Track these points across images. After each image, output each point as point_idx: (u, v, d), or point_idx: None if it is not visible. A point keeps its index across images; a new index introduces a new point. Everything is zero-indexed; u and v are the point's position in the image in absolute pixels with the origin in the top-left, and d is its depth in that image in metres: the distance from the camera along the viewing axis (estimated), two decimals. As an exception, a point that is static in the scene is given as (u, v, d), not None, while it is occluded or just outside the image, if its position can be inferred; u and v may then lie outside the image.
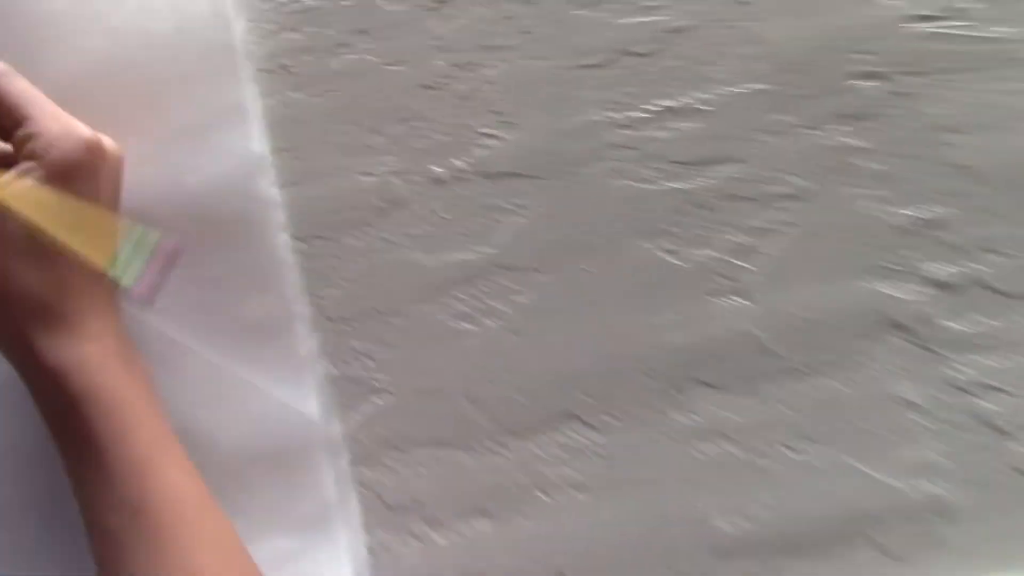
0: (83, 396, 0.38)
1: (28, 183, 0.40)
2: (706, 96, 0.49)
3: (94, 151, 0.41)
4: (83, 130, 0.41)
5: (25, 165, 0.40)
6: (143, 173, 0.47)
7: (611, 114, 0.49)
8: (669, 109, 0.49)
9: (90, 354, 0.39)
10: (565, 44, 0.49)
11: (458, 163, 0.49)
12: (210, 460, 0.45)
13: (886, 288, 0.46)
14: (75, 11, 0.47)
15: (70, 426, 0.39)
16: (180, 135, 0.47)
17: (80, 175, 0.40)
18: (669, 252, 0.48)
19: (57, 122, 0.41)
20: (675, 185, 0.48)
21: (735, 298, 0.47)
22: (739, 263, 0.47)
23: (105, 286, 0.42)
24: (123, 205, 0.46)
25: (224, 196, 0.47)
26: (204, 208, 0.47)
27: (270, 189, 0.47)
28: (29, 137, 0.40)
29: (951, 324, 0.46)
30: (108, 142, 0.43)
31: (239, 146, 0.47)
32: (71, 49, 0.47)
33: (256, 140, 0.47)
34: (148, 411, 0.40)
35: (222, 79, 0.47)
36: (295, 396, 0.46)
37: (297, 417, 0.46)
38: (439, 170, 0.49)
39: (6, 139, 0.42)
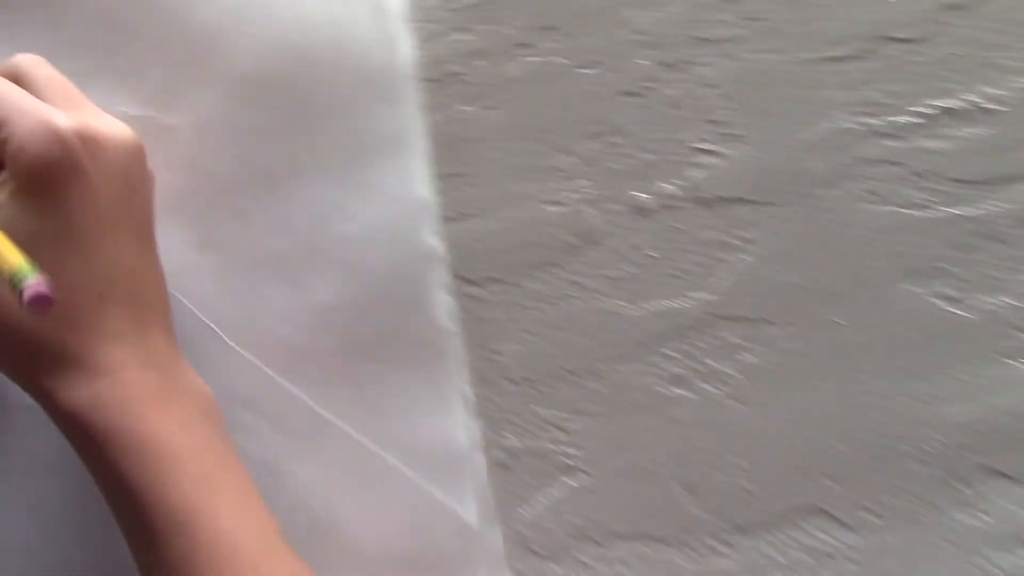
0: (106, 439, 0.33)
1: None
2: (998, 92, 0.37)
3: (69, 145, 0.33)
4: (58, 121, 0.33)
5: (2, 176, 0.33)
6: (286, 212, 0.40)
7: (867, 120, 0.38)
8: (947, 111, 0.38)
9: (105, 391, 0.33)
10: (805, 31, 0.39)
11: (668, 188, 0.39)
12: (349, 557, 0.37)
13: None
14: (223, 25, 0.40)
15: (100, 473, 0.33)
16: (330, 170, 0.40)
17: (57, 177, 0.33)
18: (948, 299, 0.37)
19: (31, 118, 0.33)
20: (956, 211, 0.37)
21: (1046, 365, 0.36)
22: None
23: (126, 307, 0.35)
24: (261, 248, 0.39)
25: (376, 246, 0.39)
26: (351, 259, 0.40)
27: (431, 239, 0.39)
28: (3, 141, 0.33)
29: None
30: (107, 129, 0.34)
31: (397, 187, 0.39)
32: (216, 69, 0.40)
33: (418, 181, 0.39)
34: (190, 452, 0.33)
35: (381, 105, 0.40)
36: (451, 492, 0.38)
37: (452, 520, 0.38)
38: (644, 197, 0.40)
39: None
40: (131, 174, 0.35)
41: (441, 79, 0.41)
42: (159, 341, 0.35)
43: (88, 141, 0.33)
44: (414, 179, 0.40)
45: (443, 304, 0.39)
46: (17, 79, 0.35)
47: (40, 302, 0.28)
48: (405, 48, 0.40)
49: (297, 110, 0.40)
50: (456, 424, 0.39)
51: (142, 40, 0.40)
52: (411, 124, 0.40)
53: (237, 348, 0.40)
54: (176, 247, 0.40)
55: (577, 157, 0.40)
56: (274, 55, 0.40)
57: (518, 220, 0.41)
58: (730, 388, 0.39)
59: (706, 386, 0.39)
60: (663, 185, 0.40)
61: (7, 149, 0.33)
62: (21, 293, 0.28)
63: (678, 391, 0.39)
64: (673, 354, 0.40)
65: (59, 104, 0.35)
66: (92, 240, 0.34)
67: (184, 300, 0.40)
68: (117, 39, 0.41)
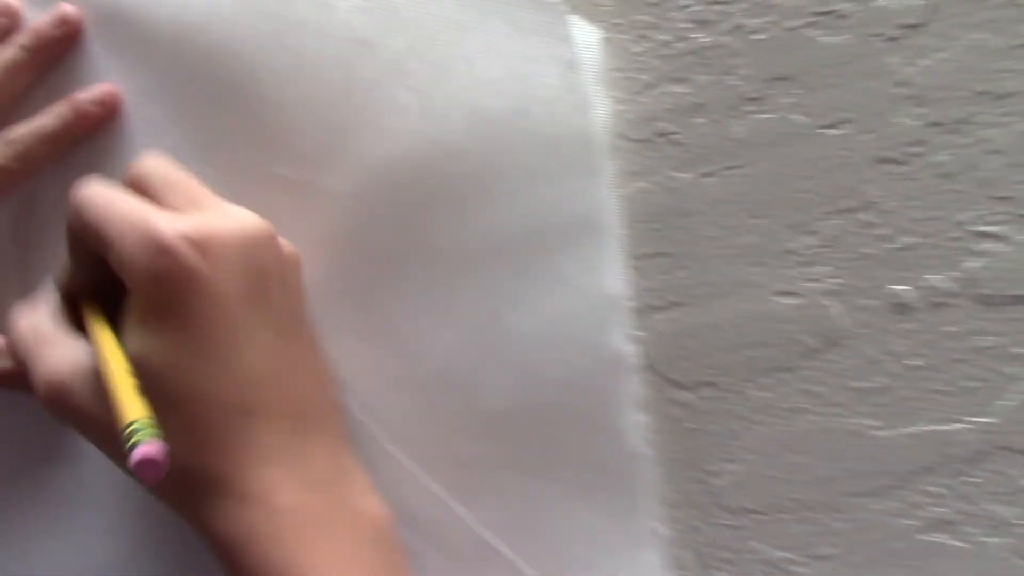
0: (260, 574, 0.30)
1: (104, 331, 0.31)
2: None
3: (177, 252, 0.29)
4: (162, 229, 0.30)
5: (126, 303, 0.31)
6: (452, 298, 0.34)
7: None
8: None
9: (258, 522, 0.30)
10: None
11: (937, 281, 0.32)
12: None
13: None
14: (389, 83, 0.34)
15: None
16: (505, 253, 0.34)
17: (173, 288, 0.29)
18: None
19: (135, 231, 0.30)
20: None
21: None
22: None
23: (277, 419, 0.31)
24: (425, 339, 0.33)
25: (555, 347, 0.33)
26: (525, 360, 0.34)
27: (622, 345, 0.32)
28: (117, 262, 0.30)
29: None
30: (223, 224, 0.31)
31: (584, 278, 0.33)
32: (380, 131, 0.35)
33: (610, 273, 0.33)
34: None
35: (570, 178, 0.33)
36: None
37: None
38: (905, 291, 0.32)
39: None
40: (259, 266, 0.31)
41: (649, 140, 0.34)
42: (321, 455, 0.31)
43: (200, 243, 0.30)
44: (605, 269, 0.33)
45: (634, 424, 0.33)
46: (139, 185, 0.33)
47: (147, 468, 0.25)
48: (602, 109, 0.34)
49: (470, 181, 0.34)
50: (644, 568, 0.32)
51: (301, 98, 0.35)
52: (604, 201, 0.33)
53: (396, 454, 0.34)
54: (329, 331, 0.35)
55: (819, 238, 0.33)
56: (447, 117, 0.34)
57: (741, 313, 0.33)
58: (1013, 539, 0.31)
59: (979, 534, 0.31)
60: (930, 277, 0.32)
61: (122, 270, 0.30)
62: (129, 451, 0.25)
63: (942, 538, 0.31)
64: (937, 491, 0.32)
65: (179, 205, 0.32)
66: (224, 348, 0.30)
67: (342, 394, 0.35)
68: (273, 95, 0.35)
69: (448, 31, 0.34)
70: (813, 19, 0.33)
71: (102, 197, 0.31)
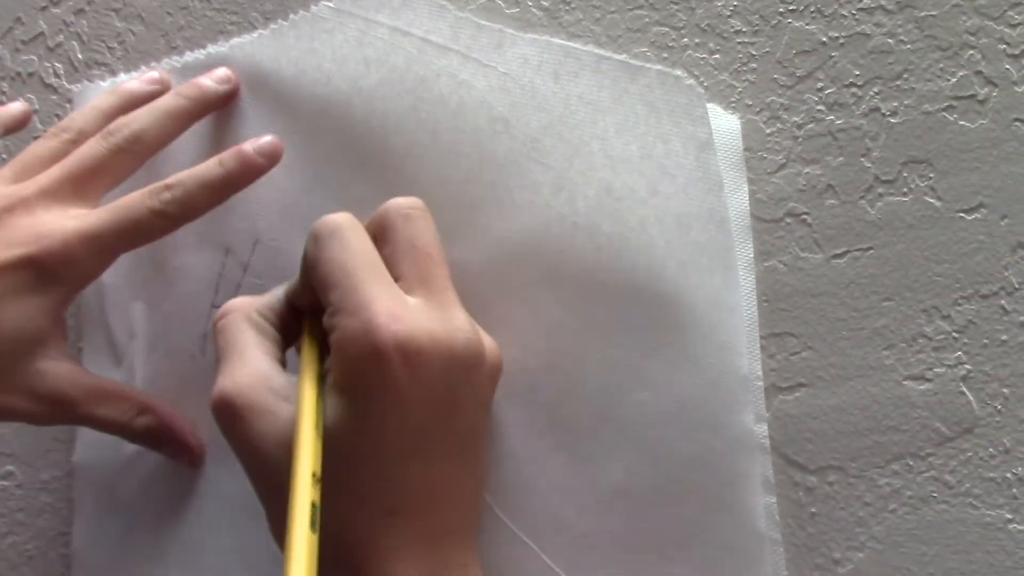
0: None
1: (311, 391, 0.32)
2: None
3: (386, 360, 0.30)
4: (381, 331, 0.30)
5: (329, 362, 0.32)
6: (576, 371, 0.36)
7: None
8: None
9: None
10: None
11: (1080, 372, 0.32)
12: None
13: None
14: (523, 159, 0.37)
15: None
16: (629, 327, 0.35)
17: (370, 389, 0.31)
18: None
19: (357, 317, 0.31)
20: None
21: None
22: None
23: (420, 521, 0.32)
24: (545, 411, 0.35)
25: (680, 424, 0.34)
26: (648, 436, 0.34)
27: (752, 424, 0.33)
28: (330, 328, 0.32)
29: None
30: (439, 339, 0.31)
31: (712, 356, 0.34)
32: (513, 205, 0.37)
33: (740, 352, 0.34)
34: None
35: (701, 259, 0.35)
36: None
37: None
38: (1045, 381, 0.32)
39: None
40: (457, 386, 0.32)
41: (779, 220, 0.36)
42: (453, 553, 0.32)
43: (411, 357, 0.31)
44: (735, 348, 0.34)
45: (762, 506, 0.33)
46: (383, 231, 0.34)
47: None
48: (739, 192, 0.35)
49: (600, 257, 0.35)
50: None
51: (435, 173, 0.38)
52: (737, 282, 0.34)
53: (511, 527, 0.36)
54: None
55: (953, 324, 0.33)
56: (579, 194, 0.36)
57: (870, 397, 0.34)
58: None
59: None
60: (1072, 367, 0.32)
61: (331, 336, 0.32)
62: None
63: (1085, 642, 0.31)
64: (1079, 591, 0.31)
65: (409, 278, 0.33)
66: (393, 457, 0.31)
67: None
68: (409, 168, 0.38)
69: (584, 110, 0.36)
70: (951, 103, 0.34)
71: (341, 244, 0.32)
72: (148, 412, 0.40)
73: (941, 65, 0.34)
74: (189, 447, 0.41)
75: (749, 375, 0.34)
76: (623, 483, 0.35)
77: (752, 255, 0.35)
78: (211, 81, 0.40)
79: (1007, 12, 0.34)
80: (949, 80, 0.34)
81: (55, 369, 0.38)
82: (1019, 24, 0.34)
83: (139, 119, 0.39)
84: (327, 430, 0.31)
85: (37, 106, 0.46)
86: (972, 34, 0.34)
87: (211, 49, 0.42)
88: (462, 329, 0.32)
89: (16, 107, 0.43)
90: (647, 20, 0.38)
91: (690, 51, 0.37)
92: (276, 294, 0.36)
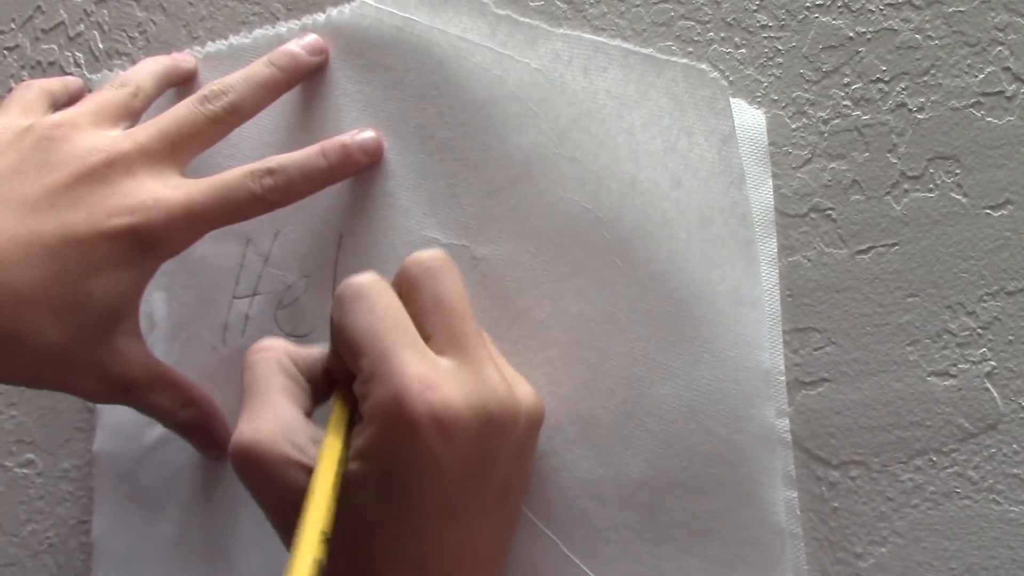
0: None
1: (334, 450, 0.31)
2: None
3: (420, 431, 0.30)
4: (414, 401, 0.30)
5: (359, 427, 0.32)
6: (598, 366, 0.36)
7: None
8: None
9: None
10: None
11: (1105, 369, 0.32)
12: None
13: None
14: (548, 153, 0.37)
15: None
16: (653, 322, 0.36)
17: (400, 458, 0.31)
18: None
19: (388, 386, 0.30)
20: None
21: None
22: None
23: (449, 570, 0.32)
24: (566, 405, 0.35)
25: (701, 418, 0.35)
26: (669, 430, 0.35)
27: (773, 419, 0.34)
28: (362, 396, 0.31)
29: None
30: (473, 403, 0.31)
31: (735, 350, 0.35)
32: (536, 199, 0.38)
33: (763, 347, 0.34)
34: None
35: (723, 253, 0.35)
36: None
37: None
38: (1069, 378, 0.33)
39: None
40: (493, 450, 0.32)
41: (804, 215, 0.36)
42: None
43: (447, 426, 0.30)
44: (758, 343, 0.34)
45: (783, 500, 0.34)
46: (409, 290, 0.33)
47: None
48: (763, 186, 0.36)
49: (621, 249, 0.36)
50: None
51: (462, 167, 0.38)
52: (760, 276, 0.35)
53: (531, 518, 0.36)
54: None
55: (977, 320, 0.34)
56: (604, 187, 0.36)
57: (893, 392, 0.35)
58: None
59: None
60: (1097, 365, 0.33)
61: (362, 403, 0.31)
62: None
63: (1107, 638, 0.31)
64: (1102, 588, 0.32)
65: (440, 338, 0.32)
66: (426, 520, 0.31)
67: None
68: (434, 164, 0.39)
69: (611, 104, 0.37)
70: (978, 99, 0.35)
71: (367, 307, 0.32)
72: (192, 405, 0.40)
73: (969, 61, 0.35)
74: (218, 444, 0.41)
75: (771, 370, 0.34)
76: (644, 476, 0.35)
77: (776, 250, 0.36)
78: (304, 51, 0.40)
79: (1035, 8, 0.34)
80: (977, 76, 0.35)
81: (129, 348, 0.37)
82: (1047, 20, 0.34)
83: (236, 88, 0.39)
84: (355, 493, 0.31)
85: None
86: (1000, 30, 0.34)
87: (233, 40, 0.42)
88: (496, 390, 0.32)
89: (72, 82, 0.42)
90: (672, 14, 0.38)
91: (716, 45, 0.37)
92: (313, 351, 0.35)
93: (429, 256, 0.34)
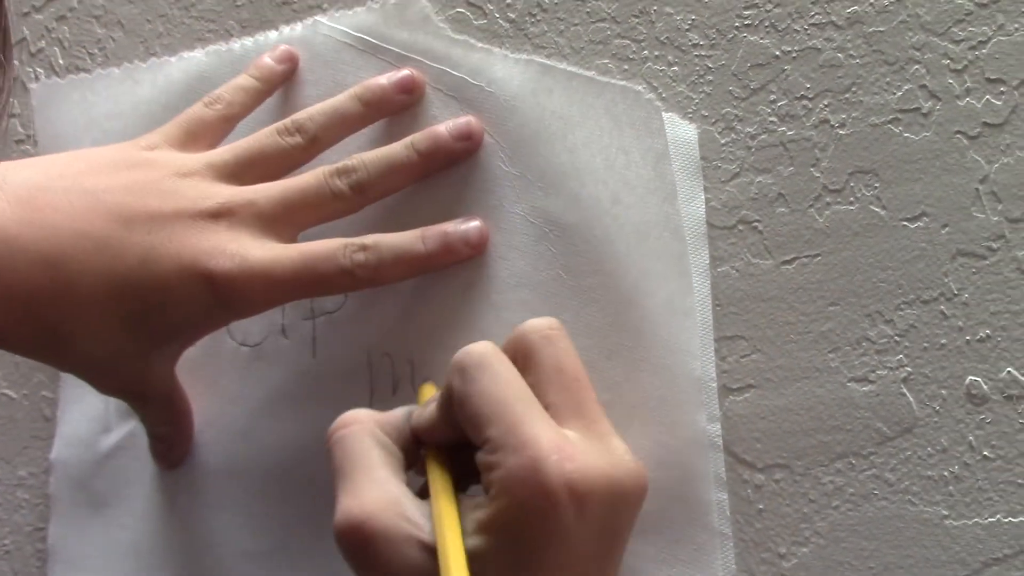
0: None
1: (453, 522, 0.32)
2: None
3: (556, 501, 0.31)
4: (550, 471, 0.31)
5: (479, 499, 0.33)
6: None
7: None
8: None
9: None
10: None
11: (1014, 373, 0.35)
12: None
13: None
14: (495, 163, 0.40)
15: None
16: (593, 332, 0.38)
17: (534, 527, 0.31)
18: None
19: (522, 455, 0.31)
20: None
21: None
22: None
23: None
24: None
25: (638, 424, 0.37)
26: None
27: (705, 424, 0.36)
28: (490, 466, 0.32)
29: None
30: (604, 474, 0.32)
31: (669, 359, 0.37)
32: (478, 204, 0.40)
33: (695, 355, 0.37)
34: None
35: (658, 266, 0.38)
36: None
37: None
38: (980, 382, 0.35)
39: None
40: (620, 524, 0.33)
41: (733, 227, 0.38)
42: None
43: (581, 497, 0.31)
44: (690, 351, 0.37)
45: (715, 502, 0.36)
46: (524, 355, 0.34)
47: None
48: (695, 201, 0.38)
49: (566, 263, 0.39)
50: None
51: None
52: (690, 286, 0.37)
53: None
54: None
55: (895, 328, 0.36)
56: (549, 203, 0.39)
57: (815, 398, 0.37)
58: (1089, 640, 0.33)
59: (1055, 632, 0.33)
60: (1006, 369, 0.35)
61: (493, 474, 0.32)
62: None
63: (1016, 634, 0.34)
64: (1011, 585, 0.34)
65: (562, 409, 0.33)
66: None
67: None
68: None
69: (556, 124, 0.39)
70: (896, 116, 0.37)
71: (492, 376, 0.32)
72: (172, 424, 0.42)
73: (888, 79, 0.37)
74: (173, 459, 0.43)
75: (703, 377, 0.37)
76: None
77: (707, 261, 0.38)
78: (449, 135, 0.40)
79: (951, 28, 0.37)
80: (895, 94, 0.37)
81: (161, 371, 0.39)
82: (962, 40, 0.37)
83: (368, 167, 0.39)
84: (479, 564, 0.31)
85: (18, 110, 0.49)
86: (917, 49, 0.37)
87: (185, 54, 0.45)
88: (626, 461, 0.33)
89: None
90: (609, 33, 0.41)
91: (650, 63, 0.40)
92: (398, 415, 0.36)
93: (546, 324, 0.35)
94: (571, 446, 0.32)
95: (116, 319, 0.36)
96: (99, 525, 0.46)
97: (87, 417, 0.45)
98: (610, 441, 0.33)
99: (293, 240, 0.39)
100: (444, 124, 0.40)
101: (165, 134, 0.40)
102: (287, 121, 0.40)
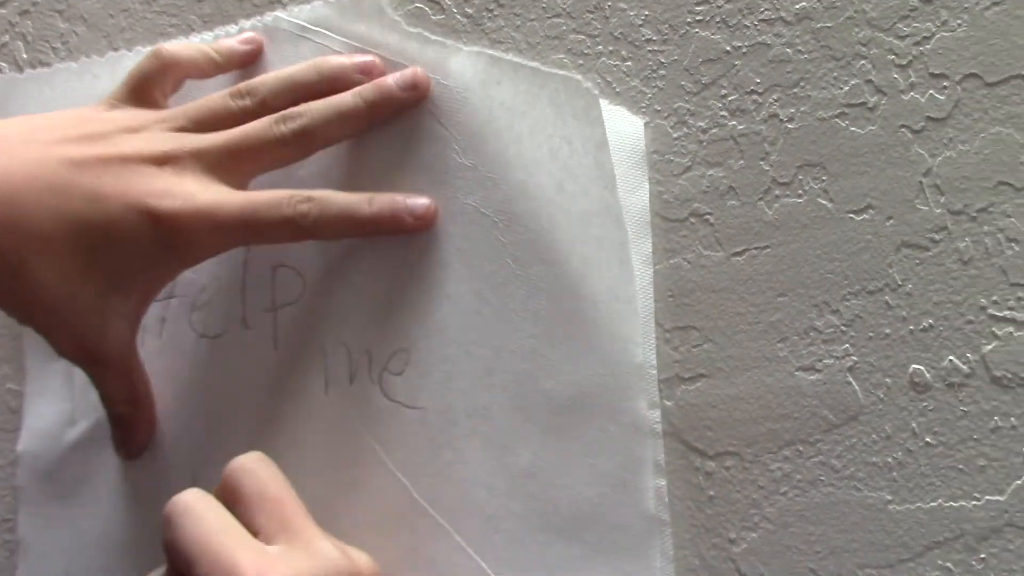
0: None
1: None
2: None
3: None
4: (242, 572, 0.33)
5: None
6: (492, 361, 0.40)
7: None
8: None
9: None
10: None
11: (955, 362, 0.36)
12: None
13: None
14: (449, 155, 0.41)
15: None
16: (541, 320, 0.39)
17: None
18: None
19: (216, 564, 0.33)
20: None
21: None
22: None
23: None
24: (462, 398, 0.39)
25: (582, 411, 0.38)
26: (554, 422, 0.39)
27: (646, 412, 0.38)
28: None
29: None
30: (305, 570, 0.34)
31: (611, 348, 0.38)
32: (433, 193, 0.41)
33: (638, 343, 0.38)
34: None
35: (601, 254, 0.39)
36: None
37: None
38: (923, 370, 0.36)
39: None
40: None
41: (684, 220, 0.40)
42: None
43: None
44: (631, 338, 0.38)
45: (652, 488, 0.37)
46: (231, 494, 0.36)
47: None
48: (639, 190, 0.39)
49: (512, 253, 0.40)
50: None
51: (368, 170, 0.42)
52: (633, 275, 0.38)
53: (430, 511, 0.40)
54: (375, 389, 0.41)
55: (841, 318, 0.38)
56: (498, 193, 0.40)
57: (764, 387, 0.38)
58: (1025, 620, 0.34)
59: (993, 613, 0.35)
60: (948, 358, 0.36)
61: None
62: None
63: (955, 615, 0.35)
64: (949, 566, 0.36)
65: (269, 527, 0.35)
66: None
67: (376, 447, 0.40)
68: (343, 167, 0.42)
69: (504, 115, 0.40)
70: (843, 110, 0.38)
71: (193, 519, 0.34)
72: (133, 405, 0.43)
73: (835, 74, 0.38)
74: (133, 447, 0.44)
75: (644, 364, 0.38)
76: (531, 467, 0.39)
77: (650, 250, 0.39)
78: (396, 85, 0.41)
79: (896, 24, 0.38)
80: (842, 88, 0.38)
81: (117, 328, 0.40)
82: (907, 36, 0.38)
83: (312, 113, 0.40)
84: None
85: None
86: (864, 45, 0.38)
87: (143, 49, 0.46)
88: (329, 557, 0.35)
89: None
90: (564, 28, 0.42)
91: (604, 58, 0.41)
92: None
93: (247, 458, 0.37)
94: (272, 560, 0.34)
95: (70, 257, 0.38)
96: (67, 516, 0.47)
97: (53, 409, 0.46)
98: (315, 545, 0.35)
99: (242, 189, 0.40)
100: (391, 75, 0.41)
101: (114, 95, 0.42)
102: (240, 85, 0.41)
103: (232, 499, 0.36)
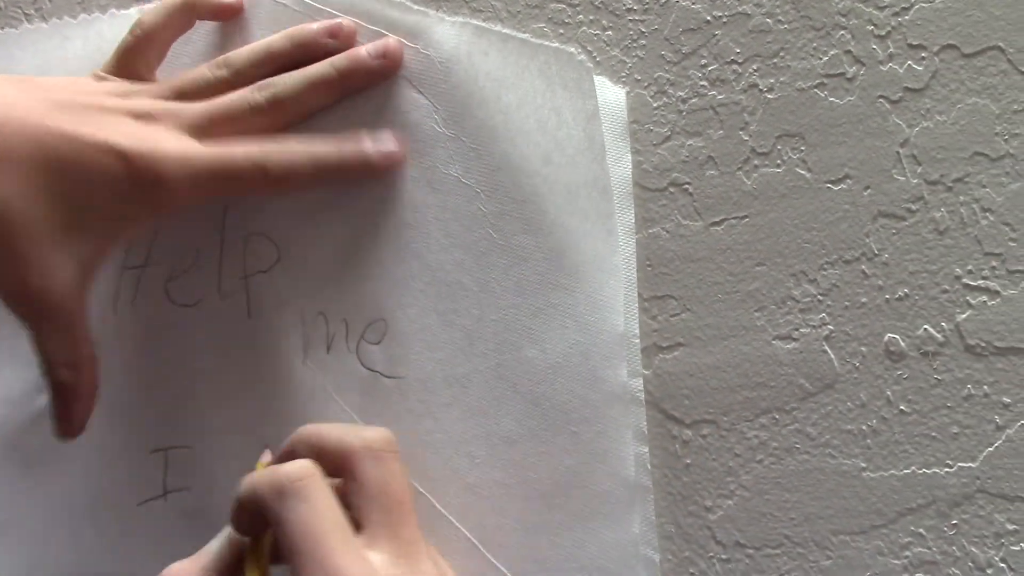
0: None
1: None
2: None
3: None
4: None
5: None
6: (474, 330, 0.40)
7: None
8: None
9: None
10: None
11: (930, 331, 0.37)
12: None
13: None
14: (435, 128, 0.41)
15: None
16: (523, 290, 0.40)
17: None
18: None
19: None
20: None
21: None
22: None
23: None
24: (442, 366, 0.39)
25: (562, 378, 0.39)
26: (535, 390, 0.39)
27: (626, 379, 0.38)
28: None
29: None
30: None
31: (592, 315, 0.39)
32: (418, 169, 0.41)
33: (618, 311, 0.39)
34: None
35: (585, 225, 0.39)
36: None
37: None
38: (898, 339, 0.37)
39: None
40: None
41: (663, 189, 0.40)
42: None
43: None
44: (614, 308, 0.38)
45: (633, 455, 0.38)
46: (349, 466, 0.36)
47: None
48: (622, 161, 0.40)
49: (495, 224, 0.40)
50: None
51: (342, 130, 0.42)
52: (616, 245, 0.39)
53: (411, 480, 0.40)
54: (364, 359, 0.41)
55: (818, 287, 0.38)
56: (482, 164, 0.40)
57: (742, 355, 0.39)
58: (996, 584, 0.35)
59: (960, 575, 0.35)
60: (923, 327, 0.37)
61: None
62: None
63: (928, 580, 0.36)
64: (922, 532, 0.36)
65: (377, 530, 0.35)
66: None
67: (355, 416, 0.41)
68: (329, 131, 0.42)
69: (491, 86, 0.41)
70: (822, 80, 0.39)
71: (308, 507, 0.34)
72: (74, 369, 0.40)
73: (814, 44, 0.39)
74: (70, 422, 0.41)
75: (626, 332, 0.38)
76: (512, 434, 0.39)
77: (633, 221, 0.40)
78: (368, 55, 0.41)
79: (875, -4, 0.38)
80: (821, 59, 0.39)
81: (64, 270, 0.38)
82: (886, 7, 0.38)
83: (285, 82, 0.41)
84: None
85: (-47, 70, 0.49)
86: (843, 15, 0.39)
87: (116, 11, 0.46)
88: (431, 570, 0.35)
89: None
90: (544, -4, 0.42)
91: (584, 27, 0.41)
92: (212, 550, 0.37)
93: (380, 440, 0.36)
94: (374, 574, 0.33)
95: (35, 180, 0.37)
96: (32, 484, 0.47)
97: (20, 377, 0.46)
98: (418, 566, 0.35)
99: None
100: (364, 45, 0.41)
101: (101, 69, 0.43)
102: (219, 58, 0.42)
103: (348, 474, 0.36)
